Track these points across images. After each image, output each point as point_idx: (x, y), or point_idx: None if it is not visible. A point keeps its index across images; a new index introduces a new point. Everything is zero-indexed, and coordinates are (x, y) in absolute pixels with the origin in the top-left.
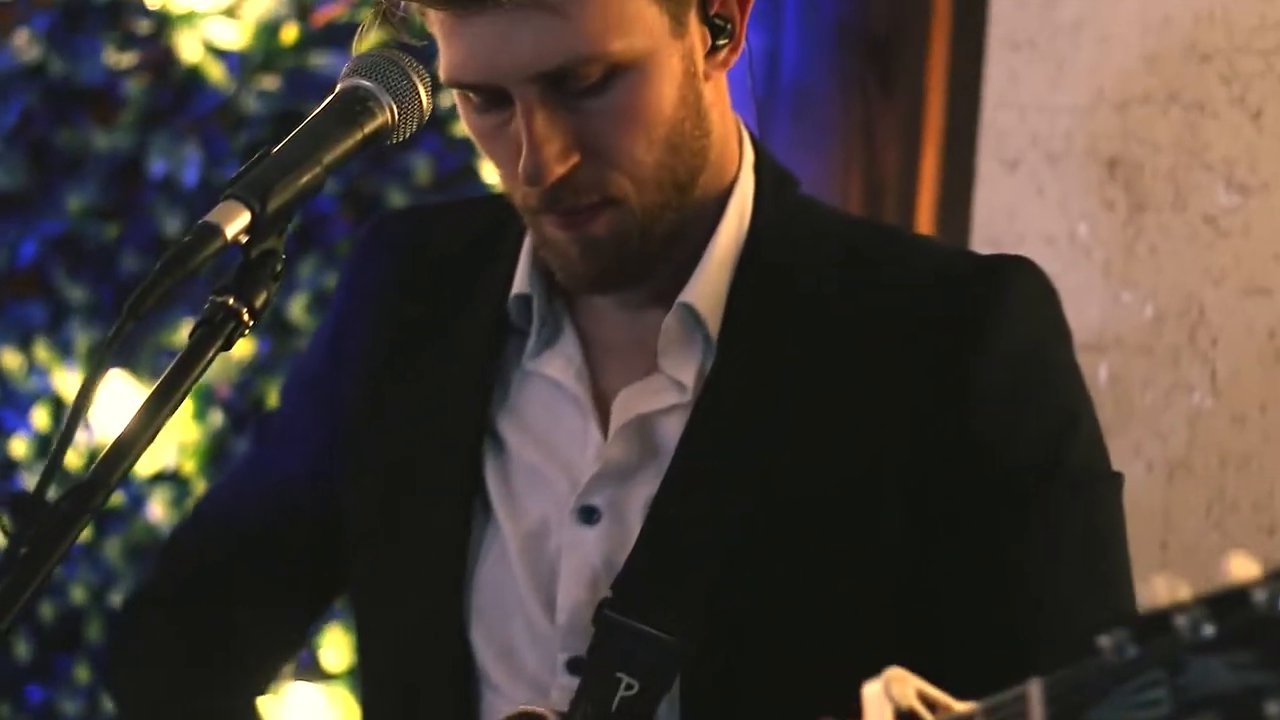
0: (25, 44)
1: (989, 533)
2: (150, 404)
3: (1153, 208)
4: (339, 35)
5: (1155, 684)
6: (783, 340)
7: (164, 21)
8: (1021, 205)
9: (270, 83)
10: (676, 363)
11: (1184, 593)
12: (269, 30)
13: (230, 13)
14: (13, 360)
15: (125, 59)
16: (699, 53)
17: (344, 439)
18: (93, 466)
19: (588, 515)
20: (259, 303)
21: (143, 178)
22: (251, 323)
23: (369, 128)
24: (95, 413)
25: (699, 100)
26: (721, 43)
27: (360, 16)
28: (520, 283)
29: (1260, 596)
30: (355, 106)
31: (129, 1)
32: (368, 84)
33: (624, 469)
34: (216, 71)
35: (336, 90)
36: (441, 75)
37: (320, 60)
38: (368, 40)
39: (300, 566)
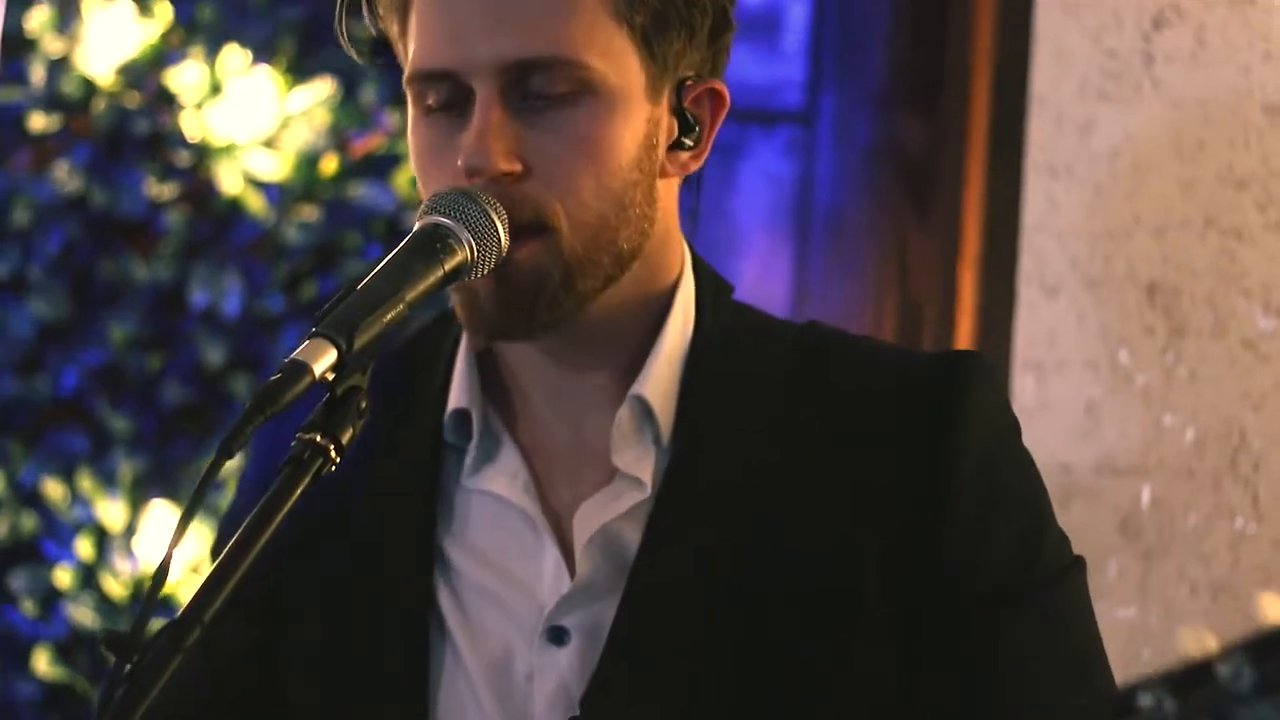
0: (66, 176)
1: (973, 630)
2: (240, 541)
3: (1192, 333)
4: (378, 166)
5: None
6: (739, 442)
7: (204, 153)
8: (1062, 330)
9: (310, 213)
10: (632, 459)
11: (1213, 643)
12: (308, 161)
13: (269, 144)
14: (55, 490)
15: (165, 190)
16: (664, 136)
17: (281, 578)
18: (186, 603)
19: (558, 636)
20: (345, 438)
21: (184, 308)
22: (338, 459)
23: (449, 264)
24: (139, 543)
25: (653, 177)
26: (687, 142)
27: (399, 148)
28: (456, 398)
29: None
30: (435, 244)
31: (169, 133)
32: (447, 221)
33: (593, 586)
34: (256, 202)
35: (415, 227)
36: (408, 69)
37: (359, 191)
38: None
39: None
